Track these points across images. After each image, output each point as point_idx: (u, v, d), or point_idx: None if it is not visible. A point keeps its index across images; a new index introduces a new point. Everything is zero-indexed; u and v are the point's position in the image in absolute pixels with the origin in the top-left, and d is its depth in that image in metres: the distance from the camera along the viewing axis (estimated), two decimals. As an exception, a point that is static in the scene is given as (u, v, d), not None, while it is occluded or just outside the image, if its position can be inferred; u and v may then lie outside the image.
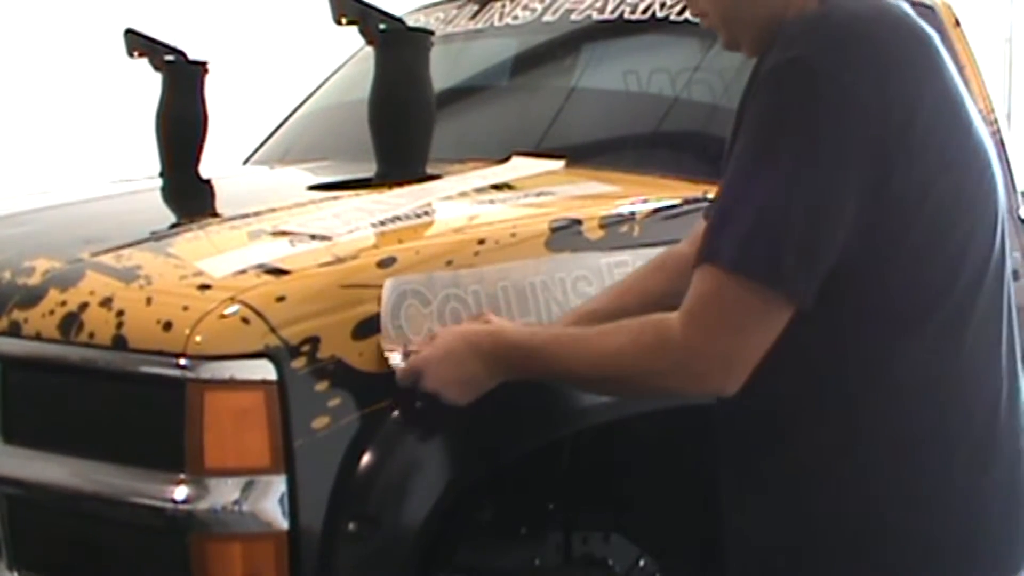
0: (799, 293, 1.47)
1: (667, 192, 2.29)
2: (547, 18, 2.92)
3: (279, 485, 1.62)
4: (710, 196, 2.25)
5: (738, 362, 1.50)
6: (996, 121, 2.92)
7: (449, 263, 1.84)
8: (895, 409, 1.56)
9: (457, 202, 2.19)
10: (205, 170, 2.81)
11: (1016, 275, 1.87)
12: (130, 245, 1.93)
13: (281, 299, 1.68)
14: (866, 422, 1.56)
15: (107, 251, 1.90)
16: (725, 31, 1.66)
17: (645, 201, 2.21)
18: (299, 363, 1.64)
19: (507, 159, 2.50)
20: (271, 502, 1.62)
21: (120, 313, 1.70)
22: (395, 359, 1.69)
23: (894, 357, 1.54)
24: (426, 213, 2.07)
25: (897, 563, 1.57)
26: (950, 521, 1.58)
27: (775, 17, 1.57)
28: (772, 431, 1.62)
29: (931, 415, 1.56)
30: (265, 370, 1.62)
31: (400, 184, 2.22)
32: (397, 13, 2.43)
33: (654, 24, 2.76)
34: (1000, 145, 2.78)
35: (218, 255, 1.87)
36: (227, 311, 1.64)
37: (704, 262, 1.50)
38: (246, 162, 3.30)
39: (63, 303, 1.76)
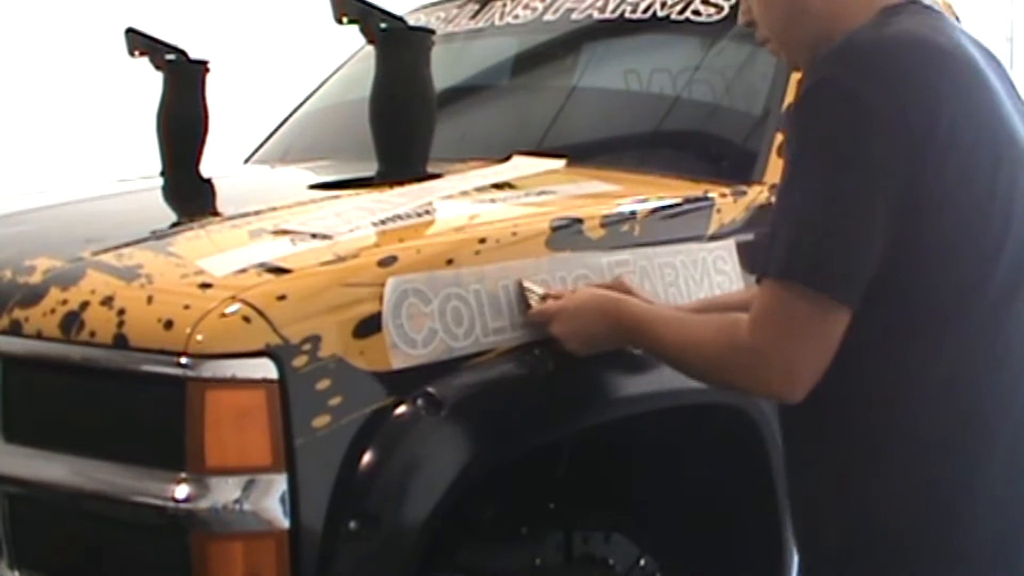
0: (842, 294, 1.55)
1: (668, 191, 2.29)
2: (548, 17, 2.92)
3: (280, 484, 1.62)
4: (711, 195, 2.27)
5: (798, 369, 1.58)
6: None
7: (450, 262, 1.84)
8: (926, 403, 1.59)
9: (458, 201, 2.19)
10: (206, 169, 2.80)
11: None
12: (131, 244, 1.93)
13: (282, 298, 1.68)
14: (896, 417, 1.60)
15: (108, 250, 1.90)
16: (785, 53, 1.77)
17: (646, 200, 2.21)
18: (300, 362, 1.64)
19: (508, 158, 2.49)
20: (272, 501, 1.62)
21: (121, 312, 1.70)
22: (533, 300, 1.86)
23: (928, 352, 1.58)
24: (427, 212, 2.07)
25: (936, 554, 1.60)
26: (989, 513, 1.60)
27: (825, 38, 1.65)
28: (814, 427, 1.66)
29: (963, 408, 1.59)
30: (266, 369, 1.62)
31: (401, 183, 2.22)
32: (398, 12, 2.43)
33: (655, 23, 2.76)
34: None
35: (219, 254, 1.87)
36: (228, 310, 1.64)
37: (762, 274, 1.61)
38: (247, 161, 3.30)
39: (64, 302, 1.76)
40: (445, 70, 2.76)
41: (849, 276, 1.54)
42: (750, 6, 1.75)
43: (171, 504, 1.60)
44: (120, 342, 1.68)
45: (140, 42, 2.81)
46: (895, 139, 1.50)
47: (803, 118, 1.57)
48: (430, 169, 2.36)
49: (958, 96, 1.56)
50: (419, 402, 1.72)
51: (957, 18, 2.93)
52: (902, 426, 1.59)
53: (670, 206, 2.22)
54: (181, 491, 1.60)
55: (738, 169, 2.43)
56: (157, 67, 2.81)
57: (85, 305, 1.73)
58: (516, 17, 2.99)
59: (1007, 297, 1.58)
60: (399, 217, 2.00)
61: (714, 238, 2.20)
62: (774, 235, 1.60)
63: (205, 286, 1.71)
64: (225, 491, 1.60)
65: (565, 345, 1.84)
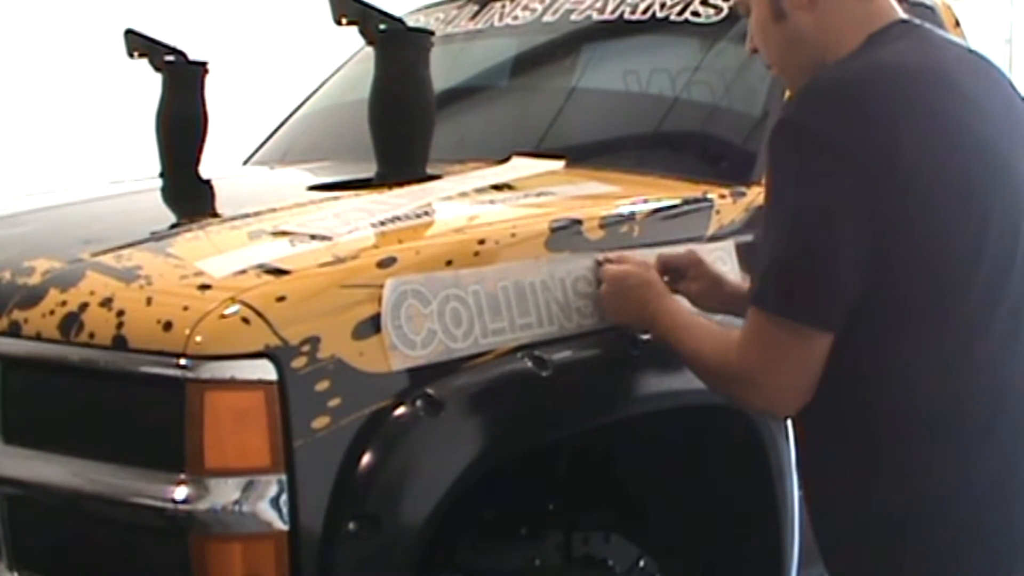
0: (816, 321, 1.62)
1: (667, 192, 2.29)
2: (547, 18, 2.92)
3: (279, 485, 1.62)
4: (710, 196, 2.27)
5: (782, 392, 1.68)
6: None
7: (449, 263, 1.84)
8: (910, 407, 1.64)
9: (457, 202, 2.19)
10: (205, 170, 2.80)
11: None
12: (130, 245, 1.93)
13: (281, 299, 1.68)
14: (885, 418, 1.65)
15: (107, 251, 1.90)
16: (786, 77, 1.85)
17: (645, 201, 2.21)
18: (299, 363, 1.64)
19: (507, 159, 2.49)
20: (271, 502, 1.62)
21: (120, 313, 1.70)
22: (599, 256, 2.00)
23: (908, 359, 1.63)
24: (426, 213, 2.07)
25: (929, 552, 1.65)
26: (979, 514, 1.64)
27: (820, 64, 1.73)
28: (823, 426, 1.72)
29: (949, 412, 1.63)
30: (265, 370, 1.62)
31: (400, 184, 2.22)
32: (397, 13, 2.43)
33: (654, 24, 2.76)
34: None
35: (218, 255, 1.87)
36: (227, 311, 1.64)
37: (748, 303, 1.69)
38: (246, 162, 3.30)
39: (63, 303, 1.76)
40: (444, 71, 2.76)
41: (822, 303, 1.61)
42: (753, 35, 1.83)
43: (170, 505, 1.60)
44: (119, 343, 1.68)
45: (139, 43, 2.81)
46: (857, 172, 1.57)
47: (771, 157, 1.66)
48: (429, 170, 2.36)
49: (927, 117, 1.62)
50: (418, 403, 1.72)
51: (957, 21, 2.93)
52: (891, 427, 1.64)
53: (669, 207, 2.22)
54: (180, 492, 1.60)
55: (737, 170, 2.43)
56: (156, 68, 2.81)
57: (84, 306, 1.74)
58: (515, 18, 2.99)
59: (987, 304, 1.62)
60: (398, 218, 2.00)
61: (713, 239, 2.20)
62: (757, 265, 1.70)
63: (204, 287, 1.71)
64: (224, 492, 1.60)
65: (603, 304, 1.95)
